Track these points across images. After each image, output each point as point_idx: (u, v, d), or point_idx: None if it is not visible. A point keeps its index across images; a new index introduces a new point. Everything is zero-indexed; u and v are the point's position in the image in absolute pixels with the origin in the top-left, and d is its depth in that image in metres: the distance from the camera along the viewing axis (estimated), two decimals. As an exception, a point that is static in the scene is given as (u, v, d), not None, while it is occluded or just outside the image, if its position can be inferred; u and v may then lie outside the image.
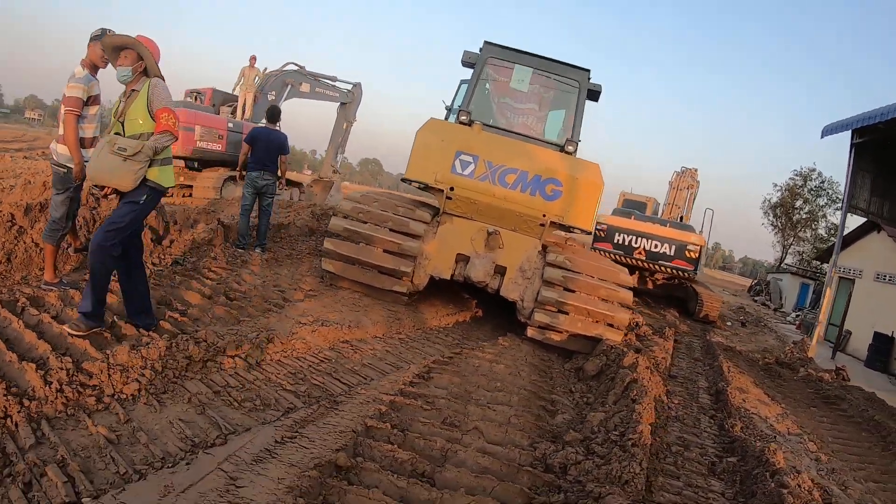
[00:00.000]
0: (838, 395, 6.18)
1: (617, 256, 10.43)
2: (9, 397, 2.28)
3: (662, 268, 10.43)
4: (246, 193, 6.04)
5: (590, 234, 5.84)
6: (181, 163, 9.64)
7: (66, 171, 3.62)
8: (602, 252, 10.61)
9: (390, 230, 5.38)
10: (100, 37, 3.48)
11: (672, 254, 10.24)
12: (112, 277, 3.31)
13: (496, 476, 2.48)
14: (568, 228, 5.58)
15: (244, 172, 6.19)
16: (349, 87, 12.72)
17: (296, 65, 11.41)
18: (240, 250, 5.84)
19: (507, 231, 5.54)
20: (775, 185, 37.32)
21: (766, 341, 9.95)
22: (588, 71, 5.74)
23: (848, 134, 9.08)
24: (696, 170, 13.68)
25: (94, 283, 3.03)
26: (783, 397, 5.64)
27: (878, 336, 9.57)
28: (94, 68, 3.65)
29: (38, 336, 2.85)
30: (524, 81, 5.71)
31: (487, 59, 5.72)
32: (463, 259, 5.58)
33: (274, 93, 11.07)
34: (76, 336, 2.95)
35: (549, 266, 5.34)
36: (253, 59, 10.60)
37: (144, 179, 3.10)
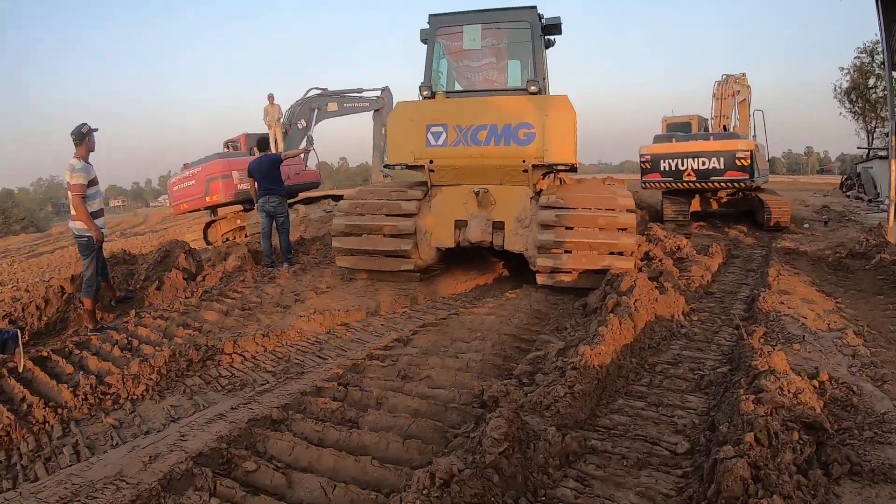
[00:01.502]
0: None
1: (667, 184, 10.34)
2: (46, 409, 3.30)
3: (716, 184, 10.10)
4: (261, 219, 7.09)
5: (574, 169, 5.99)
6: (238, 207, 11.22)
7: (86, 239, 4.82)
8: (651, 184, 10.55)
9: (385, 215, 6.03)
10: (87, 133, 4.74)
11: (722, 166, 9.88)
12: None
13: (425, 416, 2.88)
14: (552, 167, 5.77)
15: (257, 203, 7.23)
16: (377, 93, 13.61)
17: (318, 88, 12.58)
18: (269, 269, 6.88)
19: (496, 186, 5.89)
20: (842, 69, 33.50)
21: (847, 235, 9.02)
22: (534, 8, 5.89)
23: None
24: (742, 75, 12.69)
25: None
26: (844, 291, 5.27)
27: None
28: (86, 157, 4.83)
29: (77, 368, 3.94)
30: (475, 39, 6.04)
31: (437, 31, 6.13)
32: (462, 225, 6.02)
33: (303, 120, 12.33)
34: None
35: (542, 209, 5.59)
36: (270, 97, 11.90)
37: None
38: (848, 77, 33.44)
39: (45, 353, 4.20)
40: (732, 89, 12.45)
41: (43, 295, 5.08)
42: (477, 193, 5.84)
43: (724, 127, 12.18)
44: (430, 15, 6.20)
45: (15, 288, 7.08)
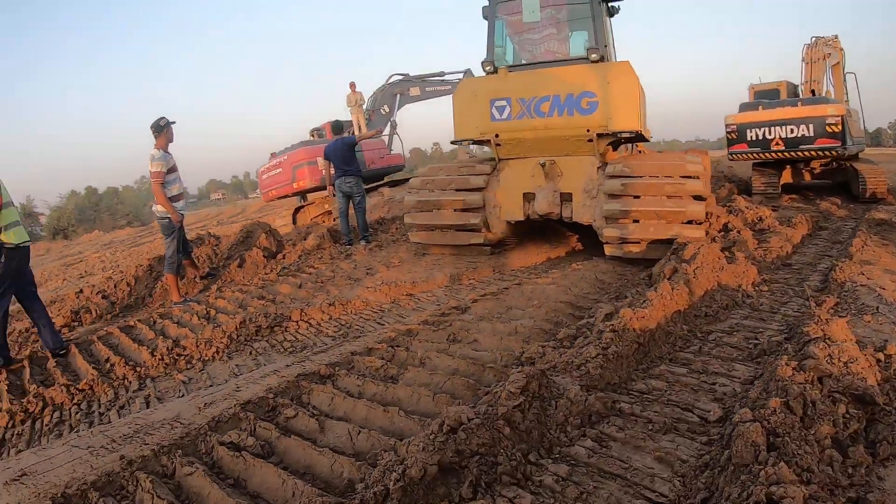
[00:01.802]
0: None
1: (756, 155, 9.68)
2: (126, 367, 3.66)
3: (806, 152, 9.23)
4: (338, 199, 7.36)
5: (639, 135, 5.71)
6: (325, 191, 11.74)
7: (167, 220, 5.31)
8: (738, 155, 9.90)
9: (455, 190, 6.08)
10: (165, 126, 5.26)
11: (812, 134, 9.03)
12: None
13: (462, 375, 2.93)
14: (616, 135, 5.58)
15: (332, 185, 7.49)
16: (459, 76, 13.61)
17: (399, 74, 12.83)
18: (347, 246, 7.13)
19: (563, 158, 5.79)
20: None
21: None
22: None
23: None
24: (835, 37, 11.32)
25: None
26: None
27: None
28: (165, 147, 5.31)
29: (157, 334, 4.34)
30: (535, 11, 5.91)
31: (497, 6, 6.06)
32: (530, 197, 5.96)
33: (386, 106, 12.64)
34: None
35: (608, 178, 5.43)
36: (352, 84, 12.32)
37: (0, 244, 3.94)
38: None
39: (132, 323, 4.68)
40: (823, 52, 11.43)
41: (133, 273, 5.68)
42: (543, 165, 5.77)
43: (813, 92, 11.16)
44: None
45: (114, 271, 7.95)
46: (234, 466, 2.27)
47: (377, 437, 2.25)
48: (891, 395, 2.24)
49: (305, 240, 7.24)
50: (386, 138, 12.86)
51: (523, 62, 6.29)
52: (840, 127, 8.95)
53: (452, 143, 6.35)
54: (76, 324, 5.26)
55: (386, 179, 12.92)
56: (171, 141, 5.39)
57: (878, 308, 3.44)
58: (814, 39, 11.68)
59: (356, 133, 12.27)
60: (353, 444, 2.29)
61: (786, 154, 9.52)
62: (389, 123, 12.78)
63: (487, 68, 5.97)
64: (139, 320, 4.91)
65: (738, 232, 5.76)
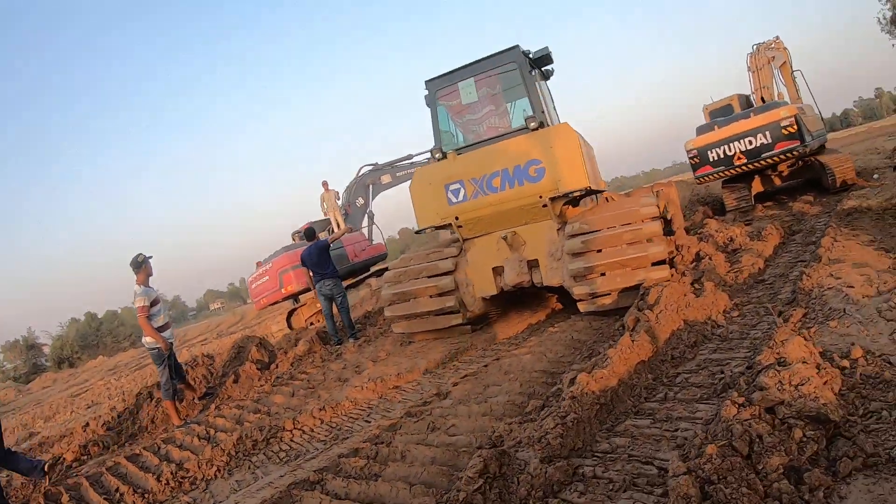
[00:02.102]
0: None
1: (721, 174, 10.22)
2: (135, 495, 3.97)
3: (769, 160, 9.75)
4: (321, 301, 7.82)
5: (589, 191, 6.03)
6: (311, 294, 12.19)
7: (156, 350, 5.73)
8: (705, 177, 10.46)
9: (427, 277, 6.47)
10: (143, 262, 5.76)
11: (770, 140, 9.58)
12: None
13: (438, 462, 3.19)
14: (568, 195, 5.93)
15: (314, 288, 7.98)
16: (426, 156, 14.47)
17: (369, 165, 13.65)
18: (337, 346, 7.52)
19: (523, 227, 6.17)
20: None
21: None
22: (516, 47, 6.23)
23: None
24: (776, 38, 12.20)
25: None
26: None
27: None
28: (146, 282, 5.82)
29: (162, 459, 4.65)
30: (472, 92, 6.46)
31: (436, 94, 6.65)
32: (500, 271, 6.32)
33: (361, 198, 13.37)
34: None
35: (568, 238, 5.77)
36: (325, 183, 12.99)
37: None
38: (888, 4, 29.98)
39: (138, 451, 4.99)
40: (766, 56, 12.13)
41: (134, 403, 6.00)
42: (505, 238, 6.14)
43: (763, 99, 11.83)
44: (425, 81, 6.71)
45: (118, 399, 8.26)
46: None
47: None
48: (856, 402, 2.40)
49: (296, 346, 7.63)
50: (366, 230, 13.51)
51: (469, 143, 6.69)
52: (795, 127, 9.39)
53: (416, 232, 6.85)
54: (86, 457, 5.57)
55: (372, 270, 13.45)
56: (150, 275, 5.88)
57: (844, 310, 3.59)
58: (755, 47, 12.34)
59: (335, 230, 12.94)
60: None
61: (749, 166, 10.00)
62: (366, 215, 13.46)
63: (437, 155, 6.41)
64: (144, 447, 5.20)
65: (710, 258, 6.03)
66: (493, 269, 6.32)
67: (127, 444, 5.68)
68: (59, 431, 6.75)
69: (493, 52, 6.35)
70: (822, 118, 12.26)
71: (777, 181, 11.31)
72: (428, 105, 6.81)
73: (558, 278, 6.00)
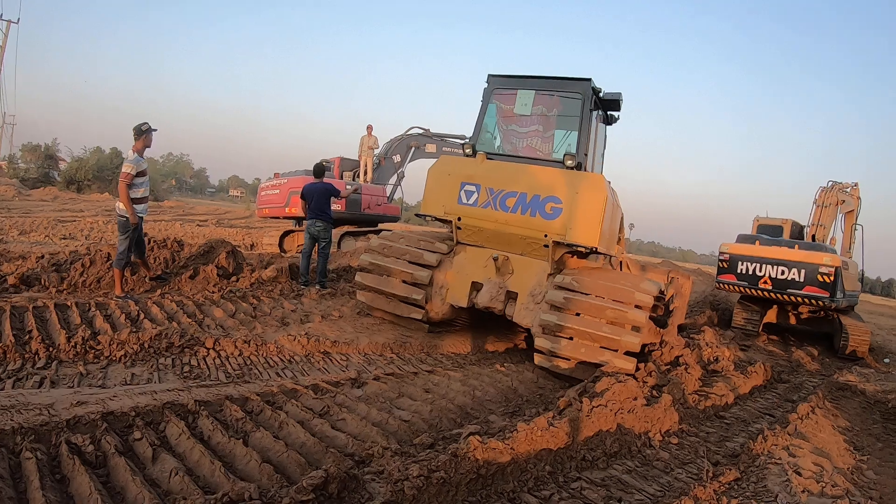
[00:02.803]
0: None
1: (742, 289, 10.10)
2: (42, 344, 4.18)
3: (792, 297, 9.59)
4: (305, 238, 7.96)
5: (595, 251, 5.89)
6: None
7: (125, 219, 5.94)
8: (725, 284, 10.33)
9: (408, 262, 6.54)
10: (145, 132, 5.87)
11: (802, 279, 9.43)
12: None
13: (304, 452, 3.20)
14: (570, 246, 5.85)
15: (305, 222, 8.12)
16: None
17: (420, 128, 13.70)
18: (302, 287, 7.67)
19: (517, 256, 6.17)
20: None
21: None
22: (588, 80, 6.05)
23: None
24: (855, 185, 11.89)
25: None
26: (882, 448, 4.82)
27: None
28: (141, 151, 5.98)
29: (84, 322, 4.86)
30: (527, 105, 6.35)
31: (493, 91, 6.57)
32: (478, 287, 6.34)
33: (399, 156, 13.46)
34: None
35: (554, 288, 5.73)
36: (369, 127, 13.13)
37: None
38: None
39: (70, 303, 5.21)
40: (837, 197, 11.93)
41: (91, 257, 6.23)
42: (496, 259, 6.15)
43: (813, 237, 11.64)
44: (489, 75, 6.63)
45: (86, 244, 8.57)
46: (66, 467, 2.73)
47: (189, 484, 2.64)
48: None
49: (266, 269, 7.80)
50: (390, 187, 13.61)
51: (504, 152, 6.61)
52: (832, 278, 9.26)
53: (417, 216, 6.89)
54: (24, 287, 5.86)
55: (379, 227, 13.59)
56: (148, 146, 6.08)
57: (776, 498, 3.33)
58: (830, 183, 12.15)
59: (361, 176, 13.05)
60: (168, 483, 2.72)
61: (772, 294, 9.89)
62: (397, 174, 13.55)
63: (467, 150, 6.38)
64: (77, 303, 5.46)
65: (686, 369, 5.84)
66: (473, 282, 6.36)
67: (66, 291, 5.94)
68: (21, 251, 7.06)
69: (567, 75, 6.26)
70: (862, 279, 11.98)
71: (793, 320, 11.15)
72: (482, 98, 6.74)
73: (529, 320, 5.99)
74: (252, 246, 13.24)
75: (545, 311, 5.68)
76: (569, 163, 5.85)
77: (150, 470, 2.85)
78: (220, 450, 3.13)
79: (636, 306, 5.47)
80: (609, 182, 6.81)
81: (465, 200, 6.27)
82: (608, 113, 6.79)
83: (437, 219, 6.58)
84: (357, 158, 13.25)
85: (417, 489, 2.68)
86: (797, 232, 12.16)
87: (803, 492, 3.49)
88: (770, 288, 9.81)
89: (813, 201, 12.22)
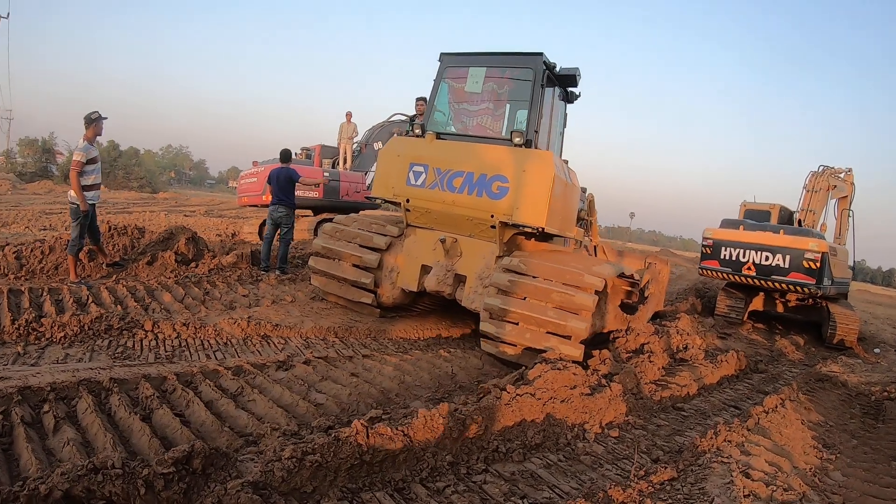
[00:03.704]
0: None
1: (724, 275, 10.16)
2: (-14, 326, 4.59)
3: (776, 284, 9.59)
4: (267, 224, 8.32)
5: (543, 231, 5.78)
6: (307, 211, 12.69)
7: (76, 206, 6.33)
8: (708, 271, 10.41)
9: (358, 245, 6.75)
10: (95, 120, 6.21)
11: (786, 265, 9.42)
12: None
13: (199, 431, 3.40)
14: (517, 227, 5.87)
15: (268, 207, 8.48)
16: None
17: (403, 115, 13.86)
18: (262, 272, 8.04)
19: (466, 238, 6.27)
20: None
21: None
22: (540, 55, 5.98)
23: None
24: (849, 170, 11.72)
25: None
26: (854, 446, 4.71)
27: None
28: (92, 140, 6.35)
29: (32, 305, 5.27)
30: (478, 82, 6.36)
31: (446, 70, 6.63)
32: (428, 270, 6.49)
33: (380, 143, 13.65)
34: None
35: (500, 270, 5.74)
36: (349, 114, 13.36)
37: None
38: None
39: (23, 289, 5.63)
40: (829, 183, 11.82)
41: (50, 244, 6.65)
42: (443, 241, 6.27)
43: (800, 222, 11.61)
44: (441, 54, 6.68)
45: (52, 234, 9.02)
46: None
47: (75, 453, 2.92)
48: None
49: (227, 255, 8.18)
50: (371, 175, 13.88)
51: (454, 132, 6.64)
52: (818, 264, 9.22)
53: (367, 198, 7.13)
54: (-15, 275, 6.29)
55: (361, 214, 13.88)
56: (99, 134, 6.46)
57: (711, 502, 3.11)
58: (821, 168, 12.10)
59: (341, 164, 13.36)
60: (60, 452, 3.01)
61: (756, 280, 9.90)
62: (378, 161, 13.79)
63: (417, 131, 6.45)
64: (30, 288, 5.87)
65: (650, 357, 5.76)
66: (423, 266, 6.50)
67: (23, 277, 6.37)
68: (-3, 242, 7.48)
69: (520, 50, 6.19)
70: (853, 268, 11.95)
71: (780, 307, 11.13)
72: (435, 78, 6.77)
73: (477, 304, 6.02)
74: (234, 235, 13.61)
75: (490, 294, 5.72)
76: (517, 140, 5.83)
77: (49, 440, 3.19)
78: (121, 425, 3.44)
79: (585, 290, 5.36)
80: (566, 161, 6.94)
81: (413, 182, 6.37)
82: (567, 90, 6.83)
83: (386, 201, 6.77)
84: (336, 145, 13.54)
85: (287, 471, 2.70)
86: (786, 217, 12.10)
87: (747, 496, 3.24)
88: (754, 274, 9.81)
89: (803, 186, 12.19)
